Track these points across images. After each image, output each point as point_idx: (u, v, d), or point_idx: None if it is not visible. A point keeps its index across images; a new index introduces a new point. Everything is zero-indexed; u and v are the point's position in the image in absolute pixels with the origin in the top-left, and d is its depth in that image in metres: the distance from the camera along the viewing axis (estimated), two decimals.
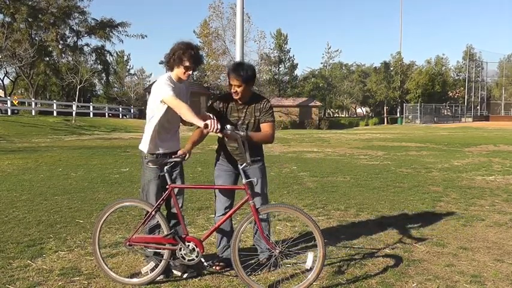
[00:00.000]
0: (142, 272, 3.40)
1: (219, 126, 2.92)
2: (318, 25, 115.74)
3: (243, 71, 3.41)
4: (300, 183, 7.86)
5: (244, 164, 3.20)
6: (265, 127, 3.54)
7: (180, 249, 3.27)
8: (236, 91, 3.44)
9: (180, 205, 3.53)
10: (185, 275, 3.45)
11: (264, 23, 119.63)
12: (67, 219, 5.20)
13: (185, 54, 3.28)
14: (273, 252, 3.20)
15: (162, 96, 3.27)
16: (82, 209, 5.68)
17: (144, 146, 3.49)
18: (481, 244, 4.34)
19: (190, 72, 3.38)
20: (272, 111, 3.60)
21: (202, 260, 3.27)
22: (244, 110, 3.55)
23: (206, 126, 2.94)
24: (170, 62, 3.36)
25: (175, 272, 3.50)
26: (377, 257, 3.96)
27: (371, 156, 12.86)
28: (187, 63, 3.31)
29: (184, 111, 3.13)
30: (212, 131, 2.93)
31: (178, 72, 3.37)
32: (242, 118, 3.54)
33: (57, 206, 5.88)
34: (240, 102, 3.54)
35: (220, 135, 3.01)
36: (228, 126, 3.02)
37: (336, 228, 4.90)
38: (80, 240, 4.38)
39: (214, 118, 3.01)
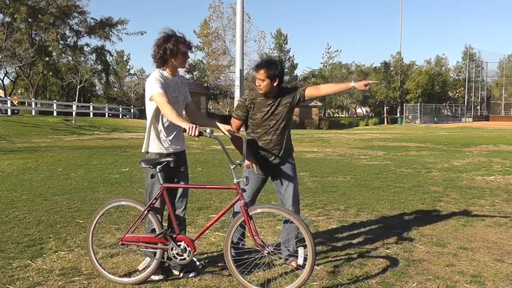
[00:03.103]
0: (140, 269, 3.42)
1: (197, 133, 2.93)
2: (318, 25, 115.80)
3: (268, 66, 3.49)
4: (300, 183, 7.85)
5: (235, 165, 3.20)
6: (311, 89, 3.64)
7: (172, 248, 3.28)
8: (260, 85, 3.51)
9: (183, 207, 3.53)
10: (181, 274, 3.46)
11: (264, 23, 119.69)
12: (67, 219, 5.20)
13: (178, 42, 3.27)
14: (262, 252, 3.19)
15: (150, 93, 3.26)
16: (82, 209, 5.68)
17: (146, 145, 3.48)
18: (481, 244, 4.34)
19: (188, 57, 3.37)
20: (299, 88, 3.68)
21: (195, 259, 3.28)
22: (273, 104, 3.58)
23: (185, 130, 2.96)
24: (162, 57, 3.30)
25: (174, 271, 3.50)
26: (377, 257, 3.96)
27: (371, 156, 12.86)
28: (184, 49, 3.29)
29: (167, 111, 3.11)
30: (191, 136, 2.95)
31: (177, 63, 3.34)
32: (271, 112, 3.58)
33: (57, 206, 5.88)
34: (267, 97, 3.58)
35: (197, 139, 3.03)
36: (208, 130, 3.03)
37: (336, 228, 4.90)
38: (80, 240, 4.37)
39: (194, 124, 3.01)
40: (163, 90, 3.23)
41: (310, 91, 3.63)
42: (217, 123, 3.37)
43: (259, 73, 3.49)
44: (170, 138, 3.44)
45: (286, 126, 3.63)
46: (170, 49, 3.27)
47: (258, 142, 3.61)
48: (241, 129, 3.73)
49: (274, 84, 3.51)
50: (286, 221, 3.62)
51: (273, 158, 3.61)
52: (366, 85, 3.51)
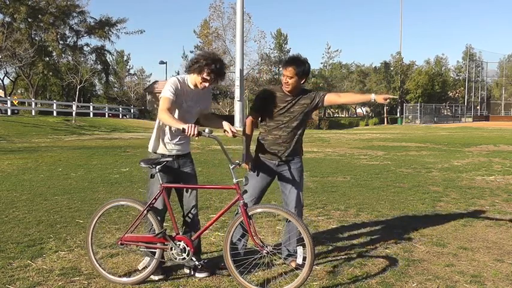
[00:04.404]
0: (139, 269, 3.42)
1: (195, 132, 2.95)
2: (318, 25, 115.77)
3: (297, 63, 3.48)
4: None
5: (234, 165, 3.20)
6: (331, 95, 3.65)
7: (171, 248, 3.28)
8: (287, 82, 3.50)
9: (194, 207, 3.53)
10: (194, 273, 3.45)
11: (264, 23, 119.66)
12: (67, 219, 5.20)
13: (207, 67, 3.26)
14: (261, 252, 3.19)
15: (161, 95, 3.31)
16: (82, 209, 5.68)
17: (150, 145, 3.52)
18: (481, 244, 4.34)
19: (207, 84, 3.34)
20: (320, 92, 3.70)
21: (194, 259, 3.28)
22: (291, 101, 3.58)
23: (184, 130, 2.98)
24: (191, 68, 3.34)
25: (185, 270, 3.51)
26: (377, 257, 3.96)
27: (371, 156, 12.86)
28: (206, 77, 3.29)
29: (164, 117, 3.14)
30: (190, 136, 2.96)
31: (196, 80, 3.36)
32: (287, 108, 3.58)
33: (57, 206, 5.88)
34: (288, 94, 3.58)
35: (197, 138, 3.04)
36: (206, 130, 3.05)
37: (336, 228, 4.90)
38: (80, 240, 4.37)
39: (193, 124, 3.03)
40: (173, 97, 3.26)
41: (330, 97, 3.63)
42: (223, 122, 3.39)
43: (288, 70, 3.47)
44: (174, 141, 3.48)
45: (298, 126, 3.62)
46: (198, 67, 3.28)
47: (268, 136, 3.63)
48: (239, 128, 3.73)
49: (302, 82, 3.53)
50: (288, 221, 3.61)
51: (279, 154, 3.61)
52: (385, 99, 3.48)
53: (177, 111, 3.38)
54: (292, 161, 3.67)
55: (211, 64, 3.25)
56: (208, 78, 3.29)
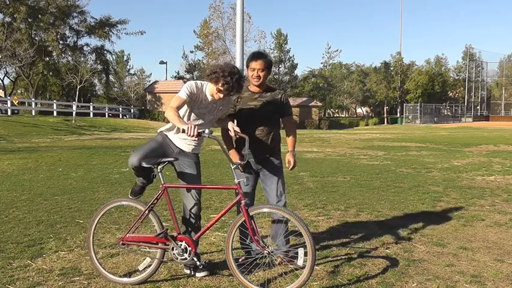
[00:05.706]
0: (140, 269, 3.42)
1: (195, 133, 2.96)
2: (318, 25, 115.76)
3: (265, 56, 3.58)
4: (300, 183, 7.86)
5: (235, 165, 3.20)
6: (286, 122, 3.76)
7: (173, 248, 3.28)
8: (258, 75, 3.54)
9: (197, 207, 3.54)
10: (195, 273, 3.46)
11: (264, 23, 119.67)
12: (67, 219, 5.20)
13: (222, 79, 3.26)
14: (262, 252, 3.19)
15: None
16: (82, 209, 5.68)
17: (164, 127, 3.58)
18: (481, 244, 4.34)
19: (222, 95, 3.34)
20: (290, 104, 3.77)
21: (195, 259, 3.28)
22: (261, 99, 3.62)
23: (184, 131, 3.00)
24: (209, 76, 3.35)
25: (185, 270, 3.52)
26: (377, 257, 3.96)
27: (371, 156, 12.86)
28: (220, 88, 3.30)
29: (169, 113, 3.17)
30: (190, 136, 2.98)
31: (212, 90, 3.38)
32: (258, 106, 3.60)
33: (57, 206, 5.88)
34: (255, 91, 3.61)
35: (196, 139, 3.05)
36: (206, 131, 3.07)
37: (336, 228, 4.90)
38: (80, 240, 4.37)
39: (193, 124, 3.06)
40: (186, 97, 3.29)
41: (283, 123, 3.74)
42: (229, 122, 3.47)
43: (258, 63, 3.52)
44: (181, 137, 3.50)
45: (270, 125, 3.63)
46: (215, 77, 3.30)
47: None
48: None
49: (268, 75, 3.59)
50: (273, 221, 3.66)
51: (255, 153, 3.61)
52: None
53: (186, 113, 3.43)
54: (270, 159, 3.67)
55: (228, 76, 3.26)
56: (222, 89, 3.30)
